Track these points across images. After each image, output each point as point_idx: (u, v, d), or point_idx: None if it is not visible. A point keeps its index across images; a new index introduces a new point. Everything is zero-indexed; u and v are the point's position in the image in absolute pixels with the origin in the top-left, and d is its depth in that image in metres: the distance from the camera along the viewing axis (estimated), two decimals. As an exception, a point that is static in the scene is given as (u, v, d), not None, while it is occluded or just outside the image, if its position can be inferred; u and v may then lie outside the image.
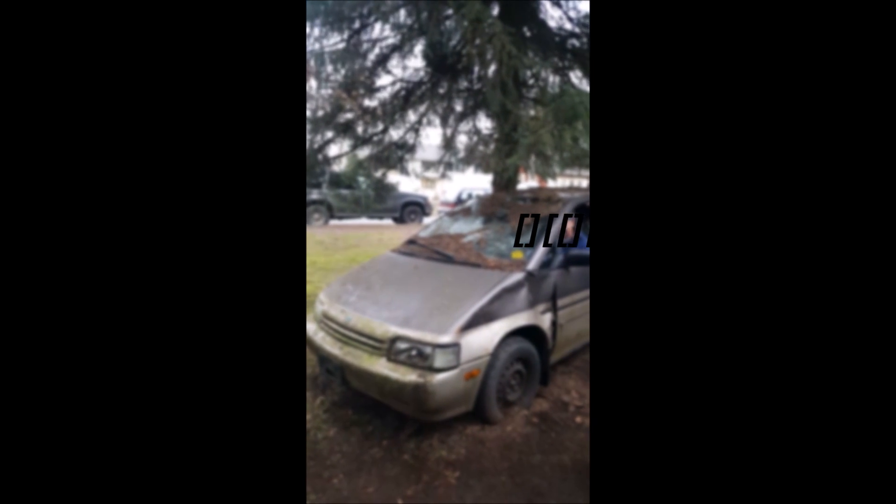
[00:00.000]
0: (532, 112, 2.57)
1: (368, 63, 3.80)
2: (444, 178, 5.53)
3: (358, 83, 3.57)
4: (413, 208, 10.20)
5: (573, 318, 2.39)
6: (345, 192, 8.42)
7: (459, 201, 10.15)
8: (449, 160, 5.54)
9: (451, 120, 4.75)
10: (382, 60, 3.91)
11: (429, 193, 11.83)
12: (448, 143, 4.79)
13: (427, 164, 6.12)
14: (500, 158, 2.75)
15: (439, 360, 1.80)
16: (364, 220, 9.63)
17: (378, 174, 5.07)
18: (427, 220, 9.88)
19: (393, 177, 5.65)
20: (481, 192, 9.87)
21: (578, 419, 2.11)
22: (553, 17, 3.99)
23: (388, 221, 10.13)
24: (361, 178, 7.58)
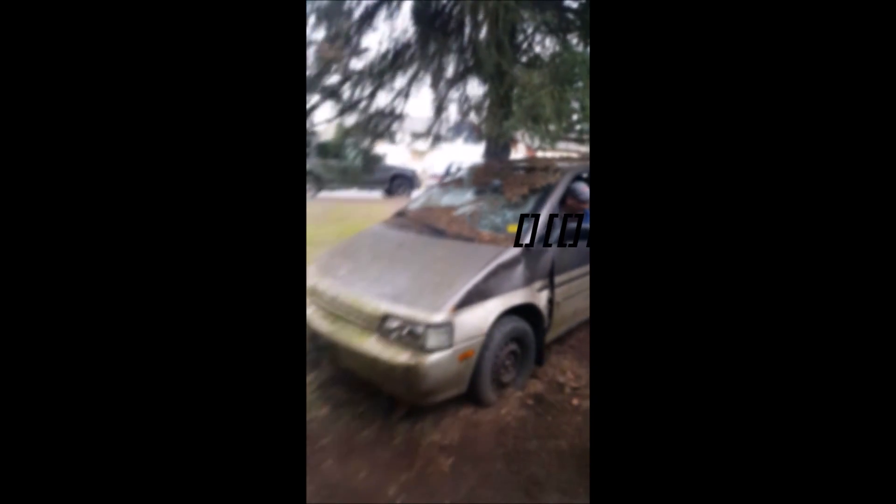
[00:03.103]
0: (528, 77, 2.36)
1: (354, 20, 3.52)
2: (435, 147, 5.30)
3: (343, 39, 3.30)
4: (401, 181, 9.90)
5: (569, 295, 2.29)
6: (332, 162, 8.12)
7: (448, 174, 9.88)
8: (438, 131, 5.31)
9: (442, 86, 4.50)
10: (368, 17, 3.62)
11: (417, 166, 11.44)
12: (438, 111, 4.55)
13: (415, 136, 5.87)
14: (496, 123, 2.55)
15: (432, 340, 1.68)
16: (353, 193, 9.35)
17: (365, 144, 4.84)
18: (416, 194, 9.66)
19: (381, 148, 5.39)
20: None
21: (575, 401, 2.04)
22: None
23: (376, 194, 9.87)
24: (348, 150, 7.29)
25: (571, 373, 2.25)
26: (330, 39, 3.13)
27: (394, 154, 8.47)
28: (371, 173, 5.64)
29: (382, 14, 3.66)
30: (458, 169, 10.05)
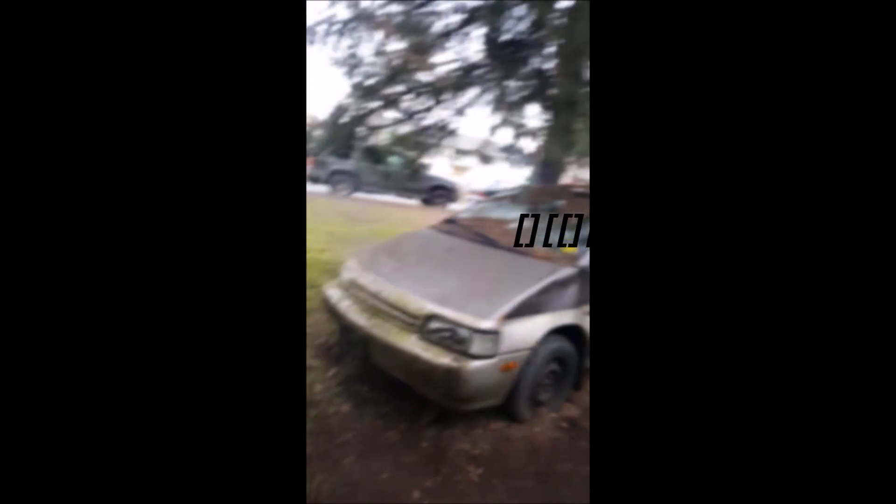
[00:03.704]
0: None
1: (429, 38, 3.68)
2: (482, 165, 5.41)
3: (424, 52, 3.44)
4: (441, 192, 9.96)
5: (615, 325, 2.23)
6: (378, 166, 8.32)
7: (491, 192, 9.94)
8: (487, 150, 5.40)
9: (500, 110, 4.60)
10: (444, 36, 3.78)
11: (457, 181, 11.61)
12: (493, 131, 4.65)
13: (460, 152, 6.01)
14: (561, 148, 2.58)
15: (477, 345, 1.66)
16: (389, 198, 9.50)
17: (413, 153, 4.96)
18: (453, 207, 9.70)
19: (426, 159, 5.52)
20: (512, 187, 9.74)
21: (610, 434, 1.95)
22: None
23: (412, 202, 9.99)
24: (394, 157, 7.45)
25: (607, 406, 2.17)
26: (414, 50, 3.26)
27: (435, 166, 8.62)
28: (416, 181, 5.75)
29: (459, 34, 3.81)
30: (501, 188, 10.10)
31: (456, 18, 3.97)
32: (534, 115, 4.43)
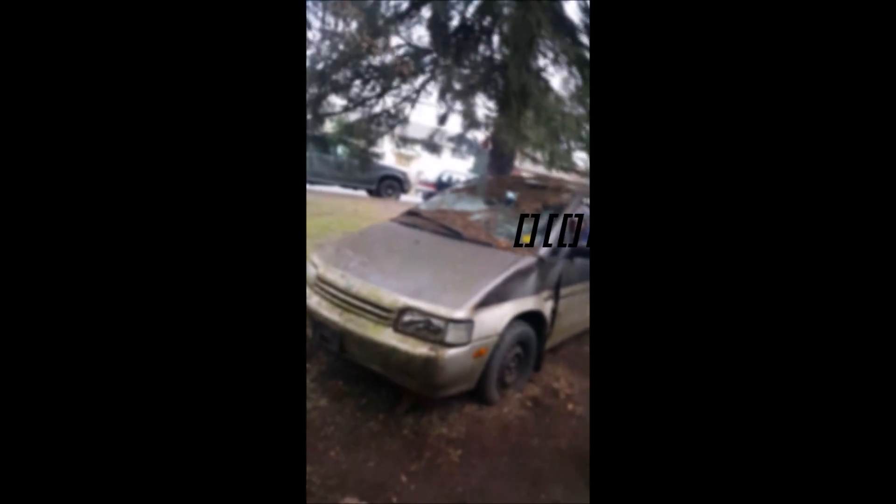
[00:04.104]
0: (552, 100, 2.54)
1: (379, 21, 3.60)
2: (432, 154, 5.43)
3: (375, 34, 3.36)
4: (391, 182, 9.61)
5: (570, 308, 2.43)
6: (326, 156, 7.98)
7: (440, 184, 9.87)
8: (437, 140, 5.42)
9: (448, 98, 4.63)
10: (392, 21, 3.72)
11: (405, 170, 11.42)
12: (442, 121, 4.68)
13: (406, 140, 5.96)
14: (517, 138, 2.69)
15: (451, 335, 1.75)
16: (336, 189, 9.19)
17: (363, 143, 4.87)
18: (405, 198, 9.56)
19: (376, 148, 5.44)
20: (461, 176, 9.78)
21: (570, 406, 2.16)
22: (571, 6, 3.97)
23: (361, 193, 9.74)
24: (341, 147, 7.22)
25: (565, 380, 2.38)
26: (371, 33, 3.17)
27: (383, 156, 8.44)
28: (367, 171, 5.60)
29: (409, 18, 3.76)
30: (450, 179, 10.04)
31: (405, 2, 3.93)
32: (483, 104, 4.52)
